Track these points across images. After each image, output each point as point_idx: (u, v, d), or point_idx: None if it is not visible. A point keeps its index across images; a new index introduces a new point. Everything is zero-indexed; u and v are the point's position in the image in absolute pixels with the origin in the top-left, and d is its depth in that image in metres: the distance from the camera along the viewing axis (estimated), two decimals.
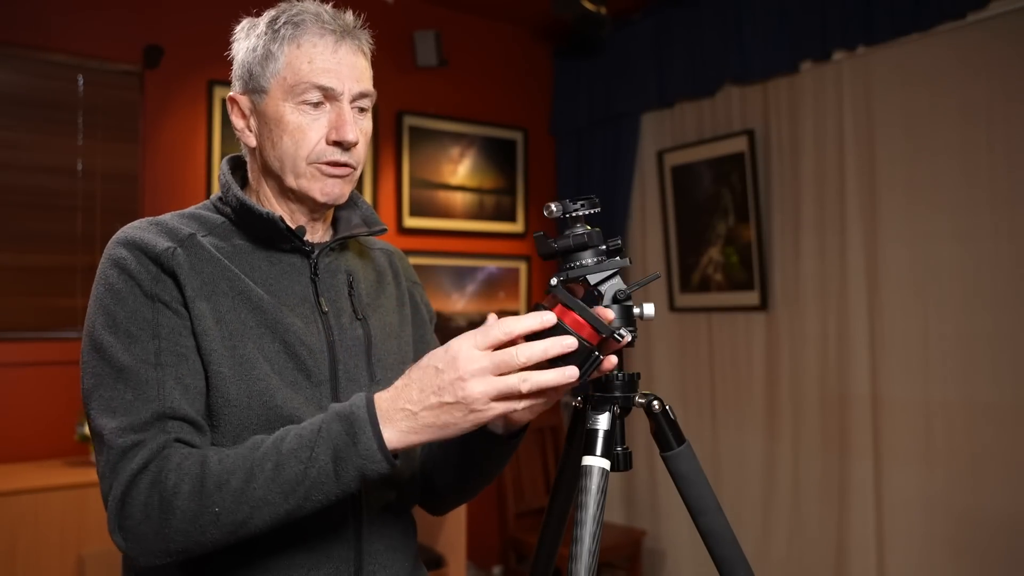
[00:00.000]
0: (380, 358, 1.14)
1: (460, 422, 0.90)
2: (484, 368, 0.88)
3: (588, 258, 1.01)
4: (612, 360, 0.98)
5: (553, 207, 1.01)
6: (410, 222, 3.91)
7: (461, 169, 4.09)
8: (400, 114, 3.89)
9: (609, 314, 0.99)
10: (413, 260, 3.87)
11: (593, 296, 1.04)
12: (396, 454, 0.92)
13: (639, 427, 3.05)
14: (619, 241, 1.03)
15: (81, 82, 3.12)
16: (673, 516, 3.77)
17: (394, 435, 0.91)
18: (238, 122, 1.13)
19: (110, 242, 1.06)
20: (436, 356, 0.91)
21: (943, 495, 2.83)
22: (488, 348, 0.89)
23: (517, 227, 4.26)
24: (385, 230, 1.22)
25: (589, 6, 3.54)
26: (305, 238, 1.12)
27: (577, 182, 4.32)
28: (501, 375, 0.89)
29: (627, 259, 1.03)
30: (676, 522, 3.75)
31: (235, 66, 1.13)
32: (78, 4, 3.12)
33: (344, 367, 1.09)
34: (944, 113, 2.85)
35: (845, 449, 3.13)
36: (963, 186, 2.80)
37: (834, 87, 3.19)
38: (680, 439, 1.06)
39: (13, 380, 2.94)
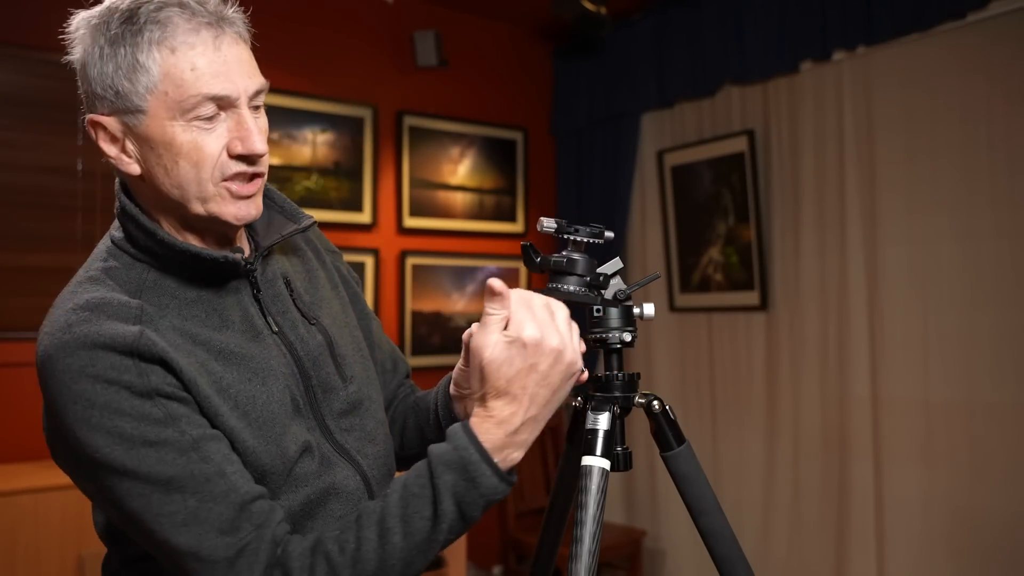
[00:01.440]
0: (343, 355, 1.09)
1: (567, 387, 0.95)
2: (562, 327, 0.93)
3: (572, 284, 0.99)
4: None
5: (545, 223, 0.99)
6: (410, 222, 3.91)
7: (461, 169, 4.09)
8: (400, 114, 3.89)
9: (581, 347, 0.99)
10: (413, 260, 3.88)
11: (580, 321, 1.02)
12: (513, 475, 0.93)
13: (639, 427, 3.05)
14: (608, 273, 1.01)
15: None
16: (673, 516, 3.77)
17: (519, 453, 0.92)
18: (110, 149, 0.94)
19: (53, 351, 0.86)
20: (514, 358, 0.91)
21: (943, 495, 2.83)
22: (551, 314, 0.93)
23: (517, 227, 4.26)
24: (314, 223, 1.10)
25: (589, 6, 3.53)
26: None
27: (577, 182, 4.32)
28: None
29: (617, 270, 1.02)
30: (676, 522, 3.75)
31: (86, 80, 0.93)
32: (78, 4, 3.12)
33: (317, 380, 1.03)
34: (944, 113, 2.85)
35: (845, 449, 3.12)
36: (963, 186, 2.80)
37: (834, 87, 3.19)
38: (680, 439, 1.06)
39: (13, 380, 2.94)
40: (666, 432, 1.06)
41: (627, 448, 1.03)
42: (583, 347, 0.98)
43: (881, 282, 3.03)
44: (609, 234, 1.01)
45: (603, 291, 1.01)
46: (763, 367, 3.48)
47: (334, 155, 3.68)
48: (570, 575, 0.93)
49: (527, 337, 0.90)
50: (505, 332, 0.91)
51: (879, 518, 3.01)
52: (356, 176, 3.75)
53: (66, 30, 0.93)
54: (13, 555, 2.47)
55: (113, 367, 0.85)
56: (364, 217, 3.75)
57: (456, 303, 4.04)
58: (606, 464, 0.98)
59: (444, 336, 3.99)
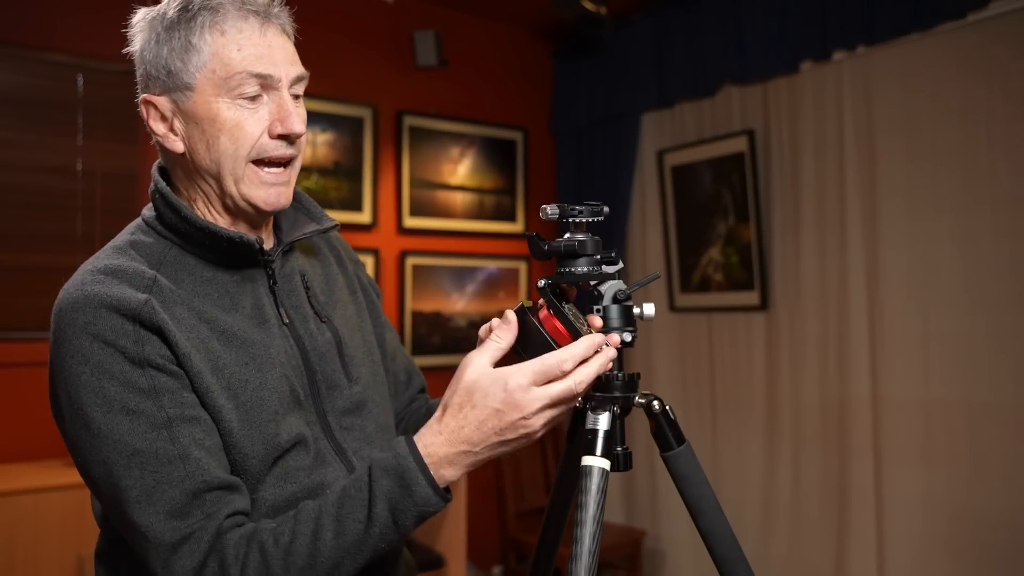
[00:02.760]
0: (351, 356, 1.11)
1: (516, 448, 0.94)
2: (545, 405, 0.92)
3: (582, 266, 1.00)
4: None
5: (548, 210, 1.00)
6: (410, 222, 3.91)
7: (461, 169, 4.09)
8: (400, 114, 3.89)
9: (597, 322, 1.01)
10: (413, 260, 3.88)
11: (593, 296, 1.04)
12: (447, 491, 0.94)
13: (639, 427, 3.05)
14: (612, 254, 1.02)
15: (81, 82, 3.12)
16: (673, 516, 3.77)
17: (451, 473, 0.93)
18: (158, 127, 1.01)
19: (64, 305, 0.92)
20: (492, 395, 0.91)
21: (943, 495, 2.83)
22: (544, 383, 0.92)
23: (517, 227, 4.26)
24: (337, 226, 1.15)
25: (589, 6, 3.53)
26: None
27: (577, 182, 4.32)
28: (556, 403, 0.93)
29: (617, 270, 1.02)
30: (676, 522, 3.75)
31: (143, 64, 1.02)
32: (78, 4, 3.12)
33: (322, 375, 1.06)
34: (944, 113, 2.85)
35: (845, 449, 3.12)
36: (963, 186, 2.80)
37: (834, 87, 3.19)
38: (680, 439, 1.06)
39: (13, 380, 2.94)
40: (666, 432, 1.06)
41: (627, 448, 1.03)
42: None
43: (881, 282, 3.03)
44: (605, 208, 1.02)
45: (611, 266, 1.01)
46: (763, 367, 3.48)
47: (334, 155, 3.68)
48: (570, 575, 0.93)
49: (512, 385, 0.91)
50: (499, 366, 0.94)
51: (879, 518, 3.01)
52: (356, 176, 3.75)
53: (129, 24, 1.04)
54: (12, 555, 2.47)
55: (113, 329, 0.90)
56: (364, 217, 3.75)
57: (456, 303, 4.04)
58: (606, 464, 0.98)
59: (444, 336, 3.99)
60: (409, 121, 3.92)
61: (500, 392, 0.91)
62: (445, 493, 0.92)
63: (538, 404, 0.91)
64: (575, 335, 0.96)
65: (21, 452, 2.92)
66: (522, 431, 0.92)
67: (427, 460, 0.92)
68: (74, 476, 2.66)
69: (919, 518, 2.89)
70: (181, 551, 0.88)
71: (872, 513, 3.03)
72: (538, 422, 0.92)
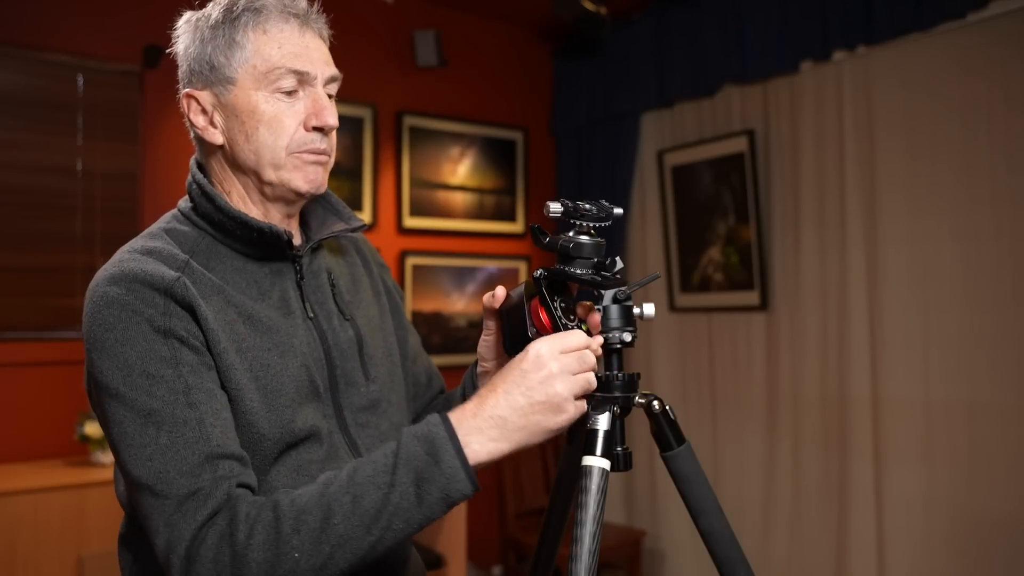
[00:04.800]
0: (371, 355, 1.14)
1: (547, 422, 0.93)
2: (568, 366, 0.92)
3: (578, 267, 1.00)
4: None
5: (551, 207, 1.00)
6: (410, 222, 3.90)
7: (461, 169, 4.09)
8: (400, 114, 3.89)
9: (595, 318, 1.01)
10: (413, 260, 3.88)
11: (593, 296, 1.04)
12: (476, 476, 0.91)
13: (639, 427, 3.05)
14: (608, 261, 1.02)
15: (81, 82, 3.12)
16: (673, 516, 3.77)
17: (482, 446, 0.90)
18: (199, 120, 1.07)
19: (100, 281, 0.96)
20: (517, 360, 0.93)
21: (943, 495, 2.83)
22: (566, 352, 0.93)
23: (517, 227, 4.26)
24: (365, 226, 1.19)
25: (589, 6, 3.53)
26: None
27: (577, 182, 4.32)
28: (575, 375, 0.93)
29: (618, 270, 1.02)
30: (676, 522, 3.75)
31: (186, 61, 1.07)
32: (78, 4, 3.12)
33: (342, 371, 1.09)
34: (944, 113, 2.85)
35: (845, 449, 3.12)
36: (963, 186, 2.80)
37: (834, 87, 3.19)
38: (680, 439, 1.06)
39: (13, 380, 2.94)
40: (666, 432, 1.05)
41: (627, 448, 1.03)
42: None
43: (881, 282, 3.03)
44: (618, 210, 1.01)
45: (607, 273, 1.01)
46: (763, 367, 3.48)
47: (334, 155, 3.68)
48: (570, 575, 0.93)
49: (534, 349, 0.93)
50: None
51: (879, 518, 3.00)
52: (356, 176, 3.75)
53: (174, 28, 1.09)
54: (12, 556, 2.47)
55: (143, 300, 0.94)
56: (364, 217, 3.74)
57: (456, 303, 4.04)
58: (606, 464, 0.98)
59: (444, 336, 3.99)
60: (409, 121, 3.92)
61: (525, 355, 0.93)
62: (473, 474, 0.89)
63: (560, 363, 0.92)
64: (555, 327, 0.98)
65: (21, 452, 2.92)
66: (548, 391, 0.91)
67: (458, 431, 0.90)
68: (74, 476, 2.66)
69: (919, 518, 2.89)
70: (186, 506, 0.88)
71: (872, 513, 3.03)
72: (562, 386, 0.91)
